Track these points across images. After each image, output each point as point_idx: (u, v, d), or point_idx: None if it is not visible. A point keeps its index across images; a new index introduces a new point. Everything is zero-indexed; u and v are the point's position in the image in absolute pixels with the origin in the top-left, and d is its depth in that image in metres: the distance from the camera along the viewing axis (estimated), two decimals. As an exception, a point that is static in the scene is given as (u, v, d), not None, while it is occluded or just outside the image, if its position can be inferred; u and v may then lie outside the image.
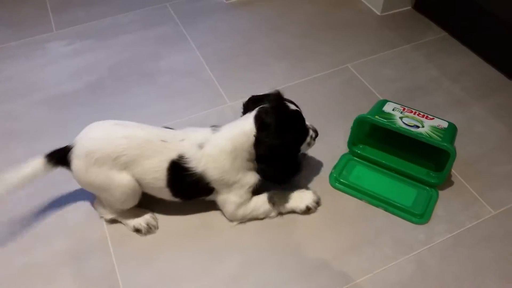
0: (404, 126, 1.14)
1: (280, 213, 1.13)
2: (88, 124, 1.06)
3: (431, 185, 1.19)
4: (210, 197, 1.09)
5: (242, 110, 1.12)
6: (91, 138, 1.02)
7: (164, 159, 1.02)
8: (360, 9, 1.86)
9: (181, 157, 1.02)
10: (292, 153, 1.08)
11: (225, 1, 1.90)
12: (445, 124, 1.17)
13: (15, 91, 1.50)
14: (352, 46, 1.67)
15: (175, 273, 1.03)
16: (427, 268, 1.04)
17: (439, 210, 1.15)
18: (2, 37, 1.72)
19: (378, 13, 1.82)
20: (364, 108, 1.28)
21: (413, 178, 1.20)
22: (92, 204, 1.14)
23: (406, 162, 1.23)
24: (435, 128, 1.15)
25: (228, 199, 1.07)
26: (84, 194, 1.15)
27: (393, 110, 1.20)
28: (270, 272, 1.03)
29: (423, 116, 1.19)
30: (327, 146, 1.27)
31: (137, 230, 1.09)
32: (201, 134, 1.05)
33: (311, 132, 1.11)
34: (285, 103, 1.06)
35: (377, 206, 1.16)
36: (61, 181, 1.10)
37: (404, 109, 1.20)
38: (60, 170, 1.05)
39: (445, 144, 1.10)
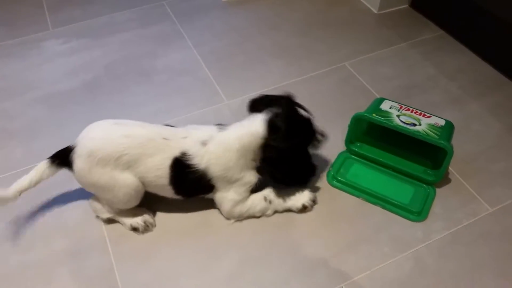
0: (401, 124, 1.14)
1: (277, 211, 1.13)
2: (85, 122, 1.05)
3: (428, 183, 1.19)
4: (210, 195, 1.09)
5: (248, 106, 1.11)
6: (92, 138, 1.01)
7: (167, 156, 1.01)
8: (357, 8, 1.86)
9: (184, 154, 1.02)
10: (299, 156, 1.08)
11: (222, -1, 1.90)
12: (442, 122, 1.17)
13: (11, 90, 1.49)
14: (349, 44, 1.67)
15: (173, 271, 1.03)
16: (424, 265, 1.04)
17: (437, 207, 1.15)
18: (-2, 35, 1.72)
19: (375, 11, 1.82)
20: (361, 106, 1.28)
21: (411, 176, 1.21)
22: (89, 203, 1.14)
23: (404, 160, 1.23)
24: (432, 126, 1.15)
25: (226, 197, 1.07)
26: (82, 194, 1.14)
27: (390, 108, 1.20)
28: (268, 270, 1.03)
29: (420, 114, 1.19)
30: (325, 144, 1.27)
31: (135, 229, 1.09)
32: (205, 131, 1.05)
33: (318, 136, 1.12)
34: (296, 109, 1.07)
35: (374, 204, 1.16)
36: (60, 180, 1.10)
37: (401, 107, 1.21)
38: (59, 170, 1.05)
39: (442, 142, 1.10)
